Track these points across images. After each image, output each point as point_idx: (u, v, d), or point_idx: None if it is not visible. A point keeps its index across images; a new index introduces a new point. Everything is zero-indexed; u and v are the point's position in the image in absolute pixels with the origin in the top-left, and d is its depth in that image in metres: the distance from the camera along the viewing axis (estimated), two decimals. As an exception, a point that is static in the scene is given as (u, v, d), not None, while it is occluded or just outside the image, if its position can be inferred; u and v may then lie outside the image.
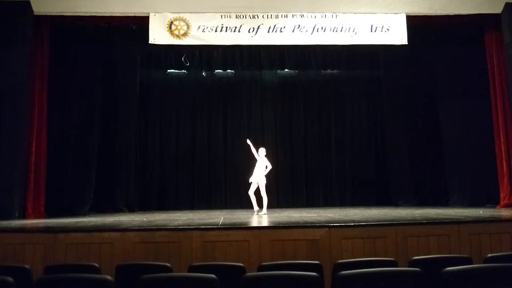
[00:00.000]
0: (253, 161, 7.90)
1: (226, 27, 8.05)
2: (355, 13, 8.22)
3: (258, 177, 7.63)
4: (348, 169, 10.89)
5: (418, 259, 3.00)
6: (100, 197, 9.18)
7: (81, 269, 3.05)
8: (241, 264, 3.04)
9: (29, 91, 7.75)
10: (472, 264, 2.88)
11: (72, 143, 8.83)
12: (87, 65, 9.13)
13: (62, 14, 7.98)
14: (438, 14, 8.31)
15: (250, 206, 7.90)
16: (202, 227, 4.80)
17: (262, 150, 7.84)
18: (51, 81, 8.25)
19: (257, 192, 7.72)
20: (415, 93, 10.25)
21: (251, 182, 7.72)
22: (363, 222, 5.10)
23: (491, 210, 7.50)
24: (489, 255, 3.04)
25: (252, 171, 7.80)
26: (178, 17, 8.03)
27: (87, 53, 9.08)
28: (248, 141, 8.01)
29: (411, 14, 8.28)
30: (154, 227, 4.94)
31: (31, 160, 7.71)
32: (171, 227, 4.93)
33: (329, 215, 6.90)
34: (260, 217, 6.79)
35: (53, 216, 7.56)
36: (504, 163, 8.34)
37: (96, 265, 3.12)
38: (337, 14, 8.21)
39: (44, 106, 8.09)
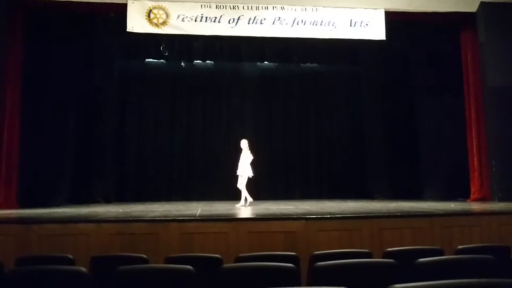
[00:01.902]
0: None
1: (206, 17, 7.96)
2: (335, 7, 8.27)
3: (243, 169, 7.61)
4: (326, 162, 11.01)
5: (392, 250, 3.06)
6: (76, 188, 8.99)
7: (55, 261, 2.98)
8: (218, 256, 3.04)
9: (2, 79, 7.49)
10: (443, 255, 2.96)
11: (47, 133, 8.58)
12: (64, 53, 8.84)
13: (36, -2, 7.74)
14: (416, 11, 8.43)
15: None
16: (179, 218, 4.77)
17: (244, 142, 7.81)
18: (26, 69, 8.00)
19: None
20: (392, 89, 10.41)
21: (238, 175, 7.68)
22: (340, 214, 5.18)
23: (462, 203, 7.73)
24: (460, 247, 3.13)
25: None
26: (157, 5, 7.89)
27: (64, 41, 8.79)
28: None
29: (390, 10, 8.38)
30: (131, 219, 4.88)
31: (2, 149, 7.50)
32: (148, 218, 4.88)
33: (306, 207, 6.97)
34: (238, 209, 6.80)
35: (27, 207, 7.36)
36: (475, 158, 8.60)
37: (70, 256, 3.06)
38: (317, 7, 8.23)
39: (18, 94, 7.85)
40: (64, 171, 8.77)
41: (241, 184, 7.62)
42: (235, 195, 8.89)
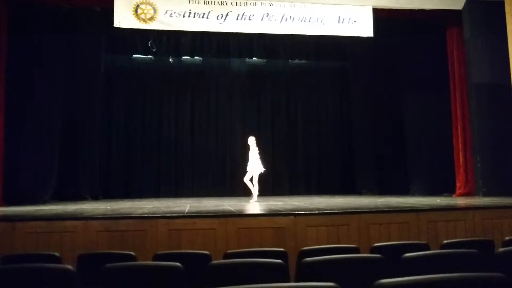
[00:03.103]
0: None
1: (194, 13, 7.91)
2: (323, 3, 8.29)
3: (253, 165, 7.66)
4: (314, 158, 11.08)
5: (379, 245, 3.09)
6: (62, 185, 8.88)
7: (41, 259, 2.95)
8: (206, 252, 3.03)
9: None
10: (429, 250, 3.00)
11: (32, 128, 8.45)
12: (49, 48, 8.72)
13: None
14: (403, 8, 8.49)
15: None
16: (168, 215, 4.74)
17: (252, 139, 7.87)
18: (10, 64, 7.86)
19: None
20: (380, 86, 10.50)
21: (247, 171, 7.76)
22: (328, 210, 5.21)
23: (448, 199, 7.84)
24: (445, 241, 3.18)
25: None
26: (144, 0, 7.81)
27: (49, 36, 8.66)
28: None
29: (378, 7, 8.43)
30: (119, 215, 4.84)
31: (-14, 145, 7.37)
32: (136, 215, 4.85)
33: (294, 203, 6.99)
34: (227, 206, 6.80)
35: (12, 204, 7.26)
36: (460, 154, 8.73)
37: (57, 254, 3.02)
38: (305, 4, 8.24)
39: (2, 90, 7.70)
40: (51, 168, 8.65)
41: (254, 179, 7.69)
42: (223, 191, 8.89)
